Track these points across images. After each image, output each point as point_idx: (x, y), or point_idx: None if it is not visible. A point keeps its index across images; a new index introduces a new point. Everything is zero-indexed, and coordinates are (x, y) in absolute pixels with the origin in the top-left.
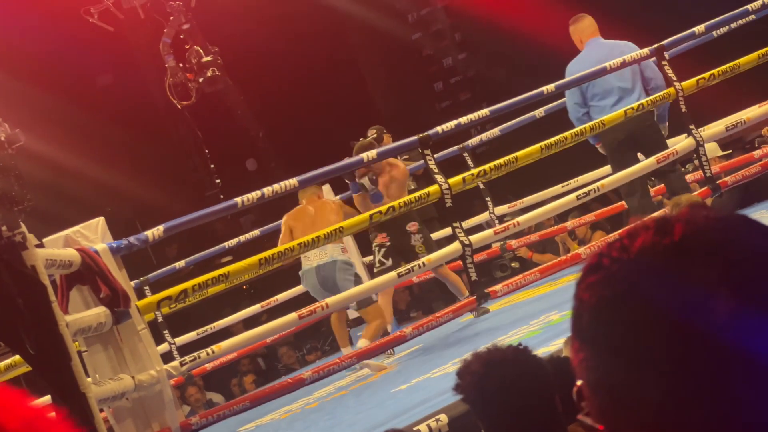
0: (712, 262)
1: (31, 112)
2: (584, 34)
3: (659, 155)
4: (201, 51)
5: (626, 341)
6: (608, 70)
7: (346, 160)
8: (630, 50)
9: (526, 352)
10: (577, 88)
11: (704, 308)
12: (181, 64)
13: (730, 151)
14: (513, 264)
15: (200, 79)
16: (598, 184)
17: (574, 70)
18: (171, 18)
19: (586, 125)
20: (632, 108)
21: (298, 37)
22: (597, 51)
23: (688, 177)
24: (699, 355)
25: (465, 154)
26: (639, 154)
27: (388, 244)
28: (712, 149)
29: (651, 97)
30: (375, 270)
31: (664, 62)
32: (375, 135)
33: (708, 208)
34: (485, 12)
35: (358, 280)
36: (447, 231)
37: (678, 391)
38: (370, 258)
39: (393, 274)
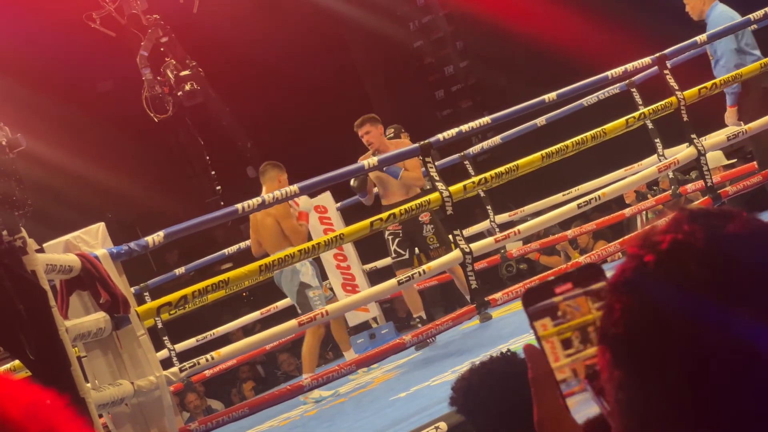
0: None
1: (31, 116)
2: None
3: (660, 165)
4: (178, 65)
5: (668, 373)
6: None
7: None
8: None
9: (512, 356)
10: (733, 36)
11: (753, 356)
12: (159, 78)
13: (735, 160)
14: (521, 266)
15: (179, 93)
16: (599, 192)
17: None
18: (149, 31)
19: (587, 134)
20: None
21: (299, 44)
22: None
23: (690, 186)
24: (747, 402)
25: (466, 161)
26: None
27: (401, 234)
28: (717, 158)
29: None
30: (392, 260)
31: (665, 71)
32: (393, 133)
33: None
34: (487, 20)
35: (303, 288)
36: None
37: (719, 426)
38: (371, 265)
39: (393, 281)
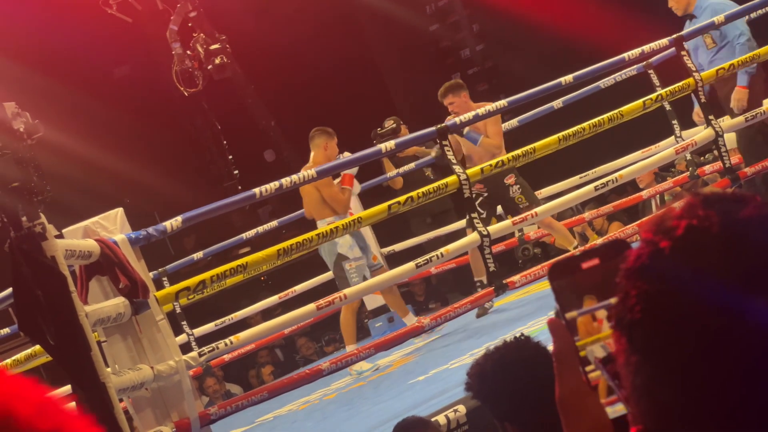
0: None
1: (48, 103)
2: None
3: (677, 146)
4: (207, 39)
5: (685, 362)
6: None
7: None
8: None
9: (526, 340)
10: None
11: None
12: (188, 52)
13: None
14: (535, 250)
15: (209, 67)
16: (615, 175)
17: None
18: (178, 5)
19: (604, 116)
20: None
21: (313, 28)
22: None
23: (707, 168)
24: (763, 389)
25: None
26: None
27: (486, 194)
28: (730, 140)
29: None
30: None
31: (683, 52)
32: (393, 125)
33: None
34: (503, 3)
35: (340, 260)
36: (462, 223)
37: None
38: (388, 248)
39: (411, 264)
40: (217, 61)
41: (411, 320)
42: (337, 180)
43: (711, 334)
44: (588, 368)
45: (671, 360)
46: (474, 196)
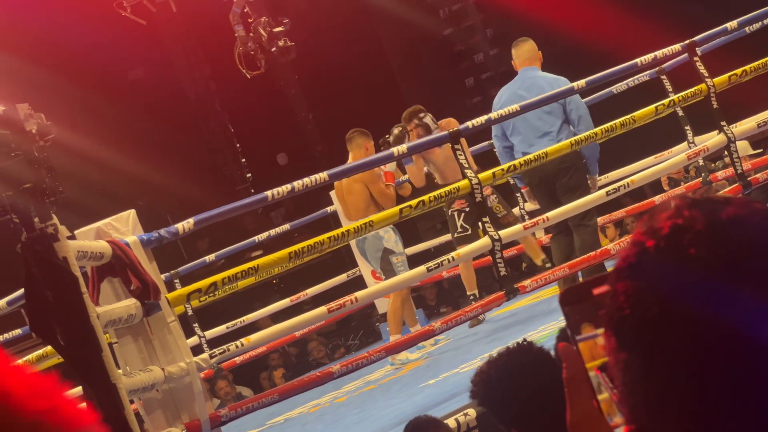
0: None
1: (62, 105)
2: (519, 60)
3: (690, 152)
4: (271, 21)
5: (671, 356)
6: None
7: (377, 155)
8: (554, 88)
9: (529, 346)
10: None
11: (756, 334)
12: (251, 34)
13: (761, 149)
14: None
15: (272, 49)
16: (627, 180)
17: (497, 101)
18: None
19: (617, 121)
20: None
21: (326, 29)
22: (521, 83)
23: (719, 174)
24: (748, 378)
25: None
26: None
27: (468, 209)
28: (742, 148)
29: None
30: (456, 236)
31: (695, 58)
32: (399, 131)
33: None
34: (517, 7)
35: (387, 254)
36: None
37: (724, 409)
38: (411, 249)
39: (422, 268)
40: (281, 43)
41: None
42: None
43: (697, 326)
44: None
45: (659, 354)
46: (456, 212)
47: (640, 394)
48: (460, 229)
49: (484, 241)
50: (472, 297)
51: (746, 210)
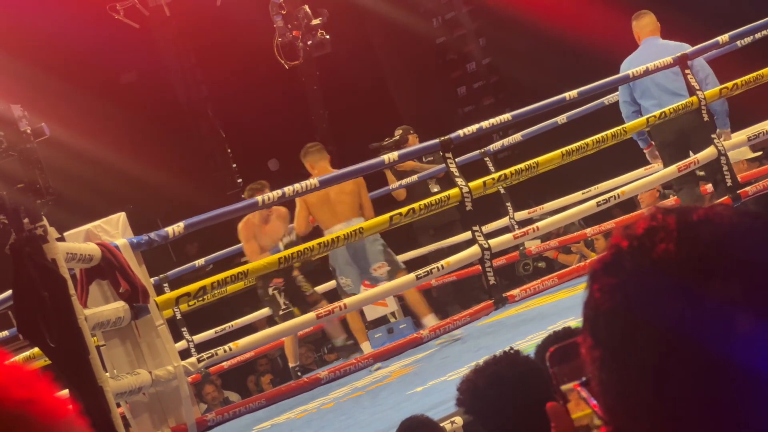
0: (736, 279)
1: (55, 107)
2: (643, 31)
3: (680, 164)
4: (309, 13)
5: (642, 350)
6: (649, 70)
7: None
8: (679, 52)
9: (515, 355)
10: (627, 86)
11: (724, 327)
12: (289, 25)
13: (761, 152)
14: (539, 264)
15: (309, 42)
16: (618, 191)
17: (625, 68)
18: None
19: (608, 132)
20: (672, 109)
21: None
22: (647, 51)
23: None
24: (715, 372)
25: (486, 158)
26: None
27: (283, 288)
28: (742, 152)
29: (680, 103)
30: (281, 313)
31: (687, 71)
32: (401, 133)
33: (731, 211)
34: (510, 17)
35: (387, 250)
36: (467, 235)
37: (691, 404)
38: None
39: (411, 276)
40: (319, 36)
41: (367, 348)
42: None
43: (669, 320)
44: None
45: (629, 349)
46: (277, 291)
47: (614, 392)
48: (284, 306)
49: (473, 250)
50: (297, 368)
51: (716, 212)
